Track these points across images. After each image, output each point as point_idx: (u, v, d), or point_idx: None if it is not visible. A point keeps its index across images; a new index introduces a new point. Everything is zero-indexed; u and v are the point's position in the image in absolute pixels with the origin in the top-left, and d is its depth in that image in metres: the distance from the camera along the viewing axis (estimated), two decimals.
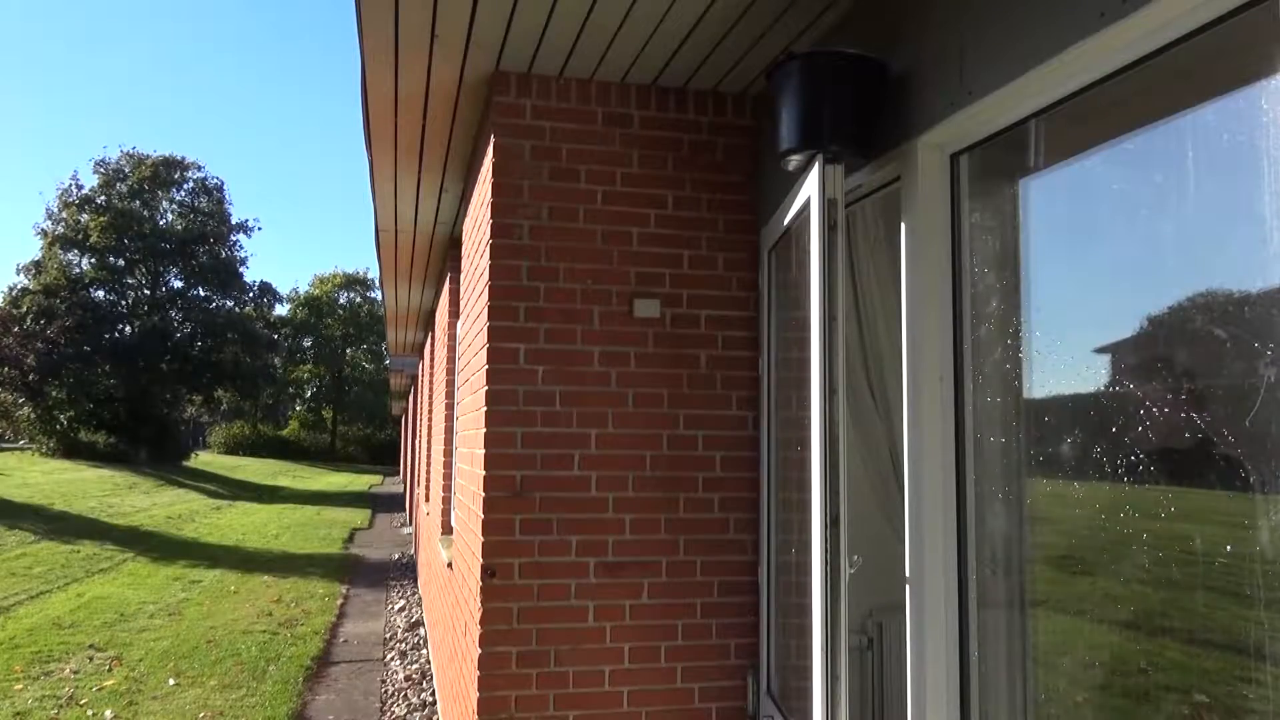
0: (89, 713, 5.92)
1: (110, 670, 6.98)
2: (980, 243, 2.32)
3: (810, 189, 2.49)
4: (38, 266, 35.08)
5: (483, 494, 3.09)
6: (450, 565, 4.70)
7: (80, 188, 36.53)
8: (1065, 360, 2.15)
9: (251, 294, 42.03)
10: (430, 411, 8.65)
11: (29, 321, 30.73)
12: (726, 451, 3.27)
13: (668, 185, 3.30)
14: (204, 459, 39.23)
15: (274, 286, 46.88)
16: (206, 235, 38.75)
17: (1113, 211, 2.05)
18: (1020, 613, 2.31)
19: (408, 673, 6.89)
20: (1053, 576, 2.32)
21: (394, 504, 24.47)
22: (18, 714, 5.88)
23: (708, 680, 3.19)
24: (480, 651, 3.02)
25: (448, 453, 6.06)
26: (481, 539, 3.10)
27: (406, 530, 17.45)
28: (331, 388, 54.93)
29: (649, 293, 3.25)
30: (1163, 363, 1.86)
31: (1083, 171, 2.11)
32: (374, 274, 55.95)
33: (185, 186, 39.61)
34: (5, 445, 39.05)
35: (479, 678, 3.02)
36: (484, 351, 3.18)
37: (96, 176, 37.11)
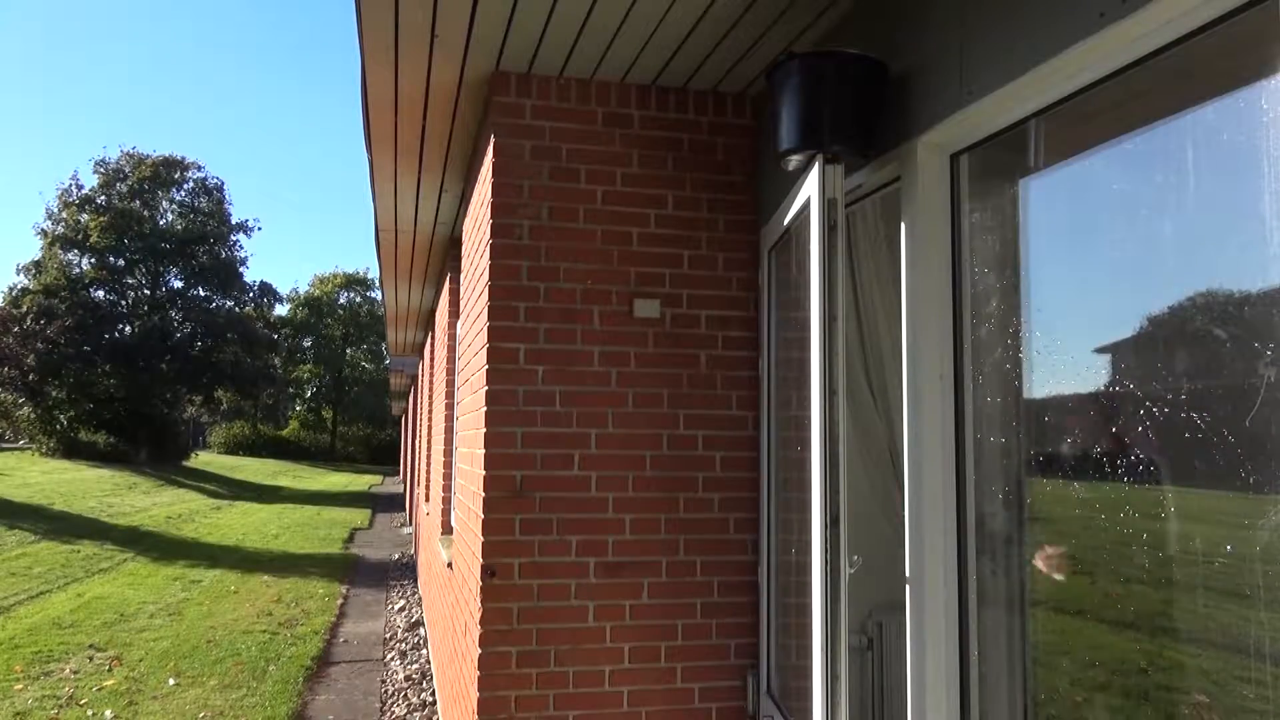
0: (89, 713, 5.92)
1: (110, 670, 6.98)
2: (980, 243, 2.32)
3: (810, 189, 2.49)
4: (38, 266, 35.09)
5: (483, 494, 3.09)
6: (450, 565, 4.70)
7: (80, 188, 36.56)
8: (1065, 360, 2.15)
9: (251, 294, 42.05)
10: (430, 411, 8.65)
11: (29, 321, 30.71)
12: (726, 451, 3.27)
13: (668, 185, 3.30)
14: (204, 459, 39.23)
15: (274, 286, 46.89)
16: (206, 235, 38.76)
17: (1113, 211, 2.05)
18: (1020, 613, 2.31)
19: (408, 673, 6.89)
20: (1052, 576, 2.32)
21: (394, 504, 24.47)
22: (18, 714, 5.88)
23: (708, 680, 3.19)
24: (480, 651, 3.02)
25: (448, 453, 6.06)
26: (481, 539, 3.10)
27: (406, 530, 17.45)
28: (331, 388, 54.93)
29: (649, 293, 3.25)
30: (1163, 363, 1.86)
31: (1083, 171, 2.11)
32: (374, 274, 55.97)
33: (185, 186, 39.64)
34: (5, 445, 39.04)
35: (479, 678, 3.02)
36: (484, 351, 3.18)
37: (96, 176, 37.14)
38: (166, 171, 38.34)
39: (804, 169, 2.54)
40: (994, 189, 2.33)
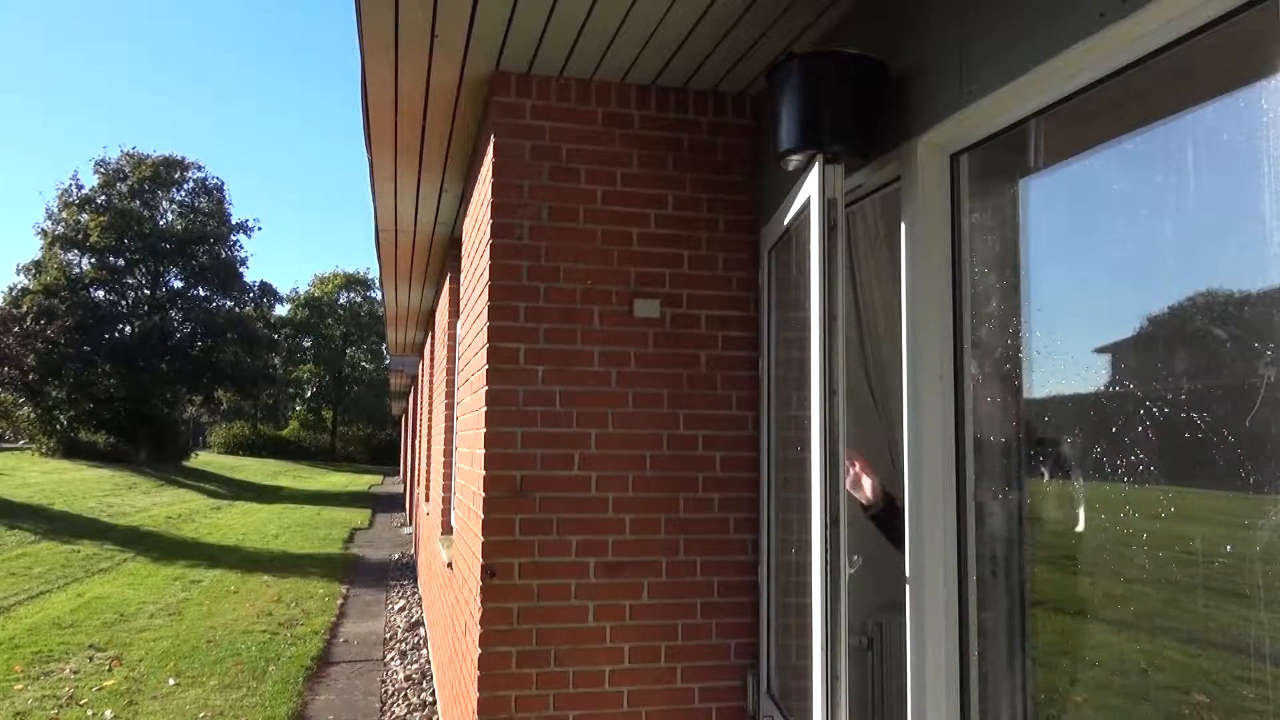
0: (89, 713, 5.92)
1: (110, 670, 6.98)
2: (980, 243, 2.32)
3: (810, 189, 2.49)
4: (38, 266, 35.09)
5: (483, 494, 3.09)
6: (450, 565, 4.70)
7: (80, 188, 36.56)
8: (1065, 360, 2.15)
9: (251, 294, 42.05)
10: (430, 411, 8.65)
11: (29, 321, 30.70)
12: (726, 451, 3.27)
13: (668, 185, 3.30)
14: (204, 459, 39.23)
15: (274, 287, 46.84)
16: (206, 235, 38.76)
17: (1113, 211, 2.05)
18: (1020, 613, 2.31)
19: (408, 673, 6.89)
20: (1052, 576, 2.32)
21: (394, 504, 24.46)
22: (18, 714, 5.88)
23: (708, 680, 3.19)
24: (480, 651, 3.02)
25: (448, 453, 6.06)
26: (481, 539, 3.10)
27: (406, 530, 17.45)
28: (331, 388, 54.91)
29: (649, 293, 3.25)
30: (1163, 363, 1.86)
31: (1083, 171, 2.11)
32: (374, 274, 55.95)
33: (185, 186, 39.65)
34: (5, 445, 39.05)
35: (479, 678, 3.02)
36: (484, 351, 3.18)
37: (96, 176, 37.14)
38: (166, 171, 38.34)
39: (804, 169, 2.54)
40: (994, 189, 2.33)
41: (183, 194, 39.60)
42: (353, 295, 56.25)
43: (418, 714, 5.92)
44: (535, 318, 3.15)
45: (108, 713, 5.89)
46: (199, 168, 39.92)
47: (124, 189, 37.36)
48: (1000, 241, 2.33)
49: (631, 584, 3.15)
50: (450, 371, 6.09)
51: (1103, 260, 2.09)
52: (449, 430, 6.09)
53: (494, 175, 3.16)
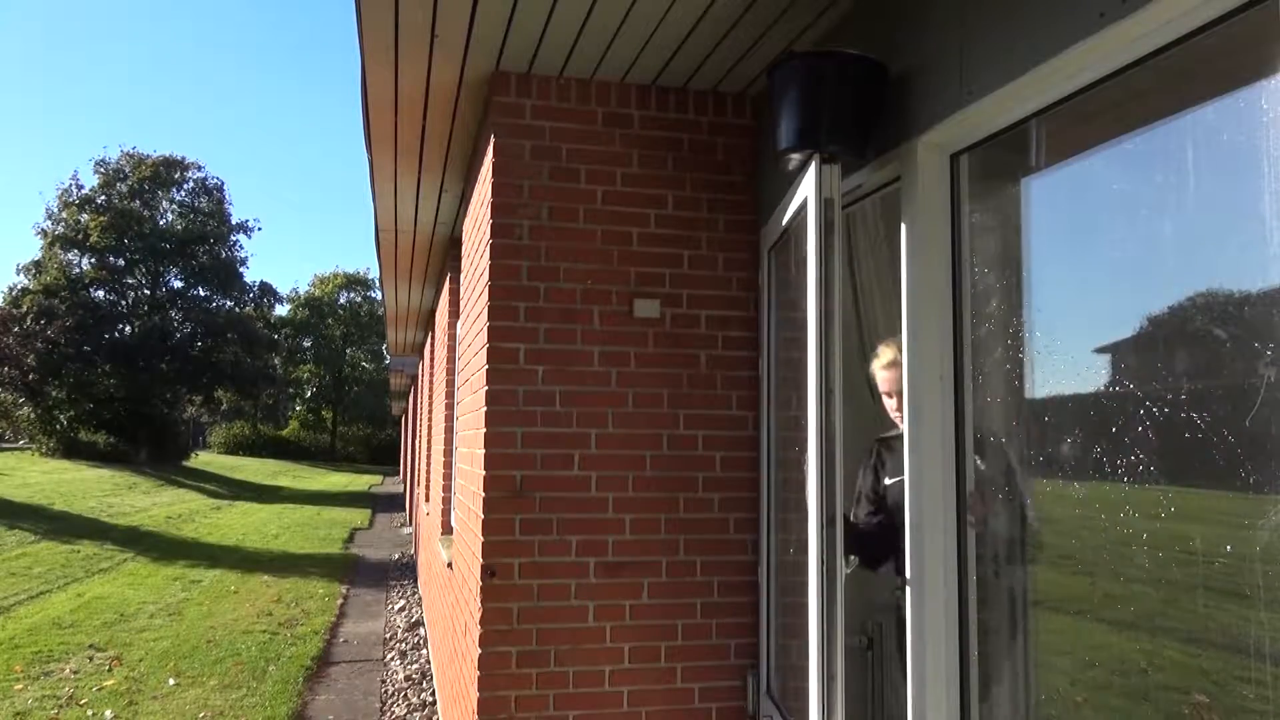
0: (89, 713, 5.92)
1: (110, 670, 6.98)
2: (980, 243, 2.32)
3: (807, 189, 2.49)
4: (38, 266, 35.08)
5: (483, 494, 3.09)
6: (450, 565, 4.70)
7: (80, 188, 36.54)
8: (1065, 360, 2.15)
9: (251, 294, 42.03)
10: (430, 411, 8.65)
11: (29, 321, 30.68)
12: (726, 451, 3.27)
13: (668, 185, 3.30)
14: (204, 459, 39.23)
15: (274, 287, 46.79)
16: (206, 235, 38.75)
17: (1113, 211, 2.05)
18: (1020, 612, 2.31)
19: (408, 673, 6.89)
20: (1052, 576, 2.32)
21: (394, 504, 24.46)
22: (18, 714, 5.88)
23: (708, 680, 3.19)
24: (480, 651, 3.02)
25: (448, 453, 6.06)
26: (481, 539, 3.10)
27: (406, 530, 17.45)
28: (331, 388, 54.90)
29: (649, 293, 3.25)
30: (1163, 363, 1.86)
31: (1083, 171, 2.11)
32: (374, 274, 55.93)
33: (185, 186, 39.62)
34: (5, 445, 39.05)
35: (479, 678, 3.02)
36: (484, 351, 3.18)
37: (96, 176, 37.13)
38: (166, 171, 38.33)
39: (801, 169, 2.54)
40: (994, 189, 2.33)
41: (183, 194, 39.61)
42: (353, 295, 56.25)
43: (418, 714, 5.92)
44: (535, 318, 3.15)
45: (108, 713, 5.89)
46: (199, 168, 39.94)
47: (124, 189, 37.35)
48: (1000, 241, 2.33)
49: (631, 584, 3.15)
50: (450, 371, 6.09)
51: (1103, 260, 2.09)
52: (449, 430, 6.09)
53: (494, 175, 3.16)
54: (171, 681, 6.65)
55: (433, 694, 6.18)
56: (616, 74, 3.22)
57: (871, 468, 2.90)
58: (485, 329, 3.16)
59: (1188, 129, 1.77)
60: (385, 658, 7.51)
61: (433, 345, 8.42)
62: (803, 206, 2.58)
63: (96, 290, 36.51)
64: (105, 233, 35.36)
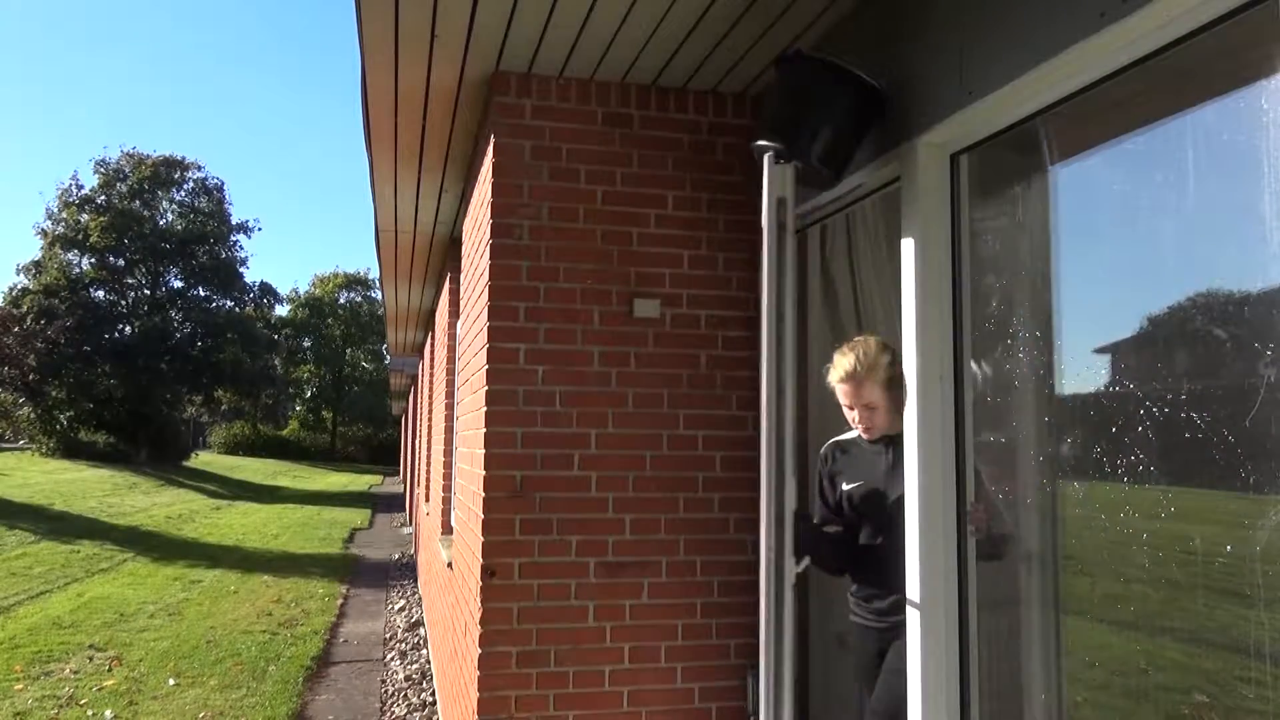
0: (89, 713, 5.92)
1: (110, 670, 6.97)
2: (980, 242, 2.32)
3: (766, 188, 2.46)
4: (38, 266, 35.05)
5: (483, 494, 3.09)
6: (450, 565, 4.70)
7: (80, 188, 36.50)
8: (1065, 360, 2.15)
9: (251, 294, 42.00)
10: (430, 411, 8.65)
11: (29, 321, 30.66)
12: (726, 451, 3.27)
13: (668, 185, 3.30)
14: (204, 459, 39.22)
15: (274, 287, 46.75)
16: (206, 235, 38.72)
17: (1113, 211, 2.05)
18: (1020, 612, 2.30)
19: (408, 673, 6.89)
20: (1052, 576, 2.32)
21: (394, 504, 24.46)
22: (18, 714, 5.88)
23: (708, 680, 3.19)
24: (480, 651, 3.02)
25: (448, 453, 6.06)
26: (481, 539, 3.10)
27: (406, 530, 17.45)
28: (331, 388, 54.89)
29: (649, 293, 3.25)
30: (1162, 363, 1.86)
31: (1083, 171, 2.11)
32: (374, 274, 55.92)
33: (185, 187, 39.58)
34: (5, 445, 39.04)
35: (479, 678, 3.02)
36: (484, 351, 3.18)
37: (96, 176, 37.09)
38: (166, 171, 38.29)
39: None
40: (994, 189, 2.33)
41: (183, 194, 39.56)
42: (353, 295, 56.23)
43: (418, 714, 5.92)
44: (535, 318, 3.15)
45: (108, 713, 5.89)
46: (199, 168, 39.88)
47: (124, 189, 37.31)
48: (1000, 241, 2.33)
49: (631, 584, 3.15)
50: (450, 371, 6.09)
51: (1103, 260, 2.09)
52: (449, 430, 6.09)
53: (494, 175, 3.16)
54: (171, 681, 6.64)
55: (433, 694, 6.18)
56: (616, 74, 3.22)
57: (827, 474, 2.78)
58: (485, 329, 3.16)
59: (1188, 129, 1.78)
60: (385, 658, 7.50)
61: (433, 345, 8.42)
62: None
63: (96, 290, 36.49)
64: (105, 233, 35.33)
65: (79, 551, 13.39)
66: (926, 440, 2.29)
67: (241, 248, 43.63)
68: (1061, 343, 2.16)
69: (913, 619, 2.28)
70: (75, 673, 6.90)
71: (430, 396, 8.78)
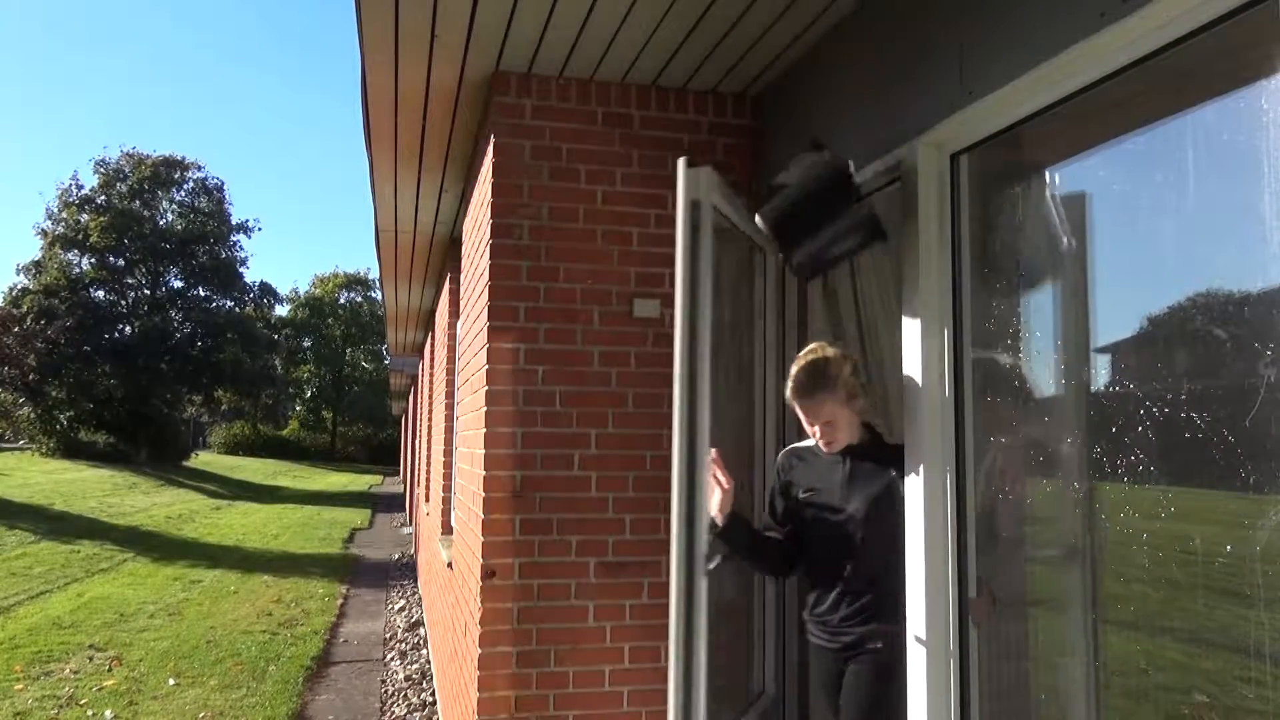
0: (89, 713, 5.92)
1: (110, 670, 6.97)
2: (979, 243, 2.32)
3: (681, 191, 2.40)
4: (38, 266, 35.05)
5: (483, 494, 3.09)
6: (450, 565, 4.70)
7: (80, 188, 36.49)
8: (1065, 360, 2.15)
9: (251, 294, 41.98)
10: (430, 411, 8.65)
11: (29, 321, 30.64)
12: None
13: (668, 185, 3.30)
14: (204, 459, 39.21)
15: (274, 287, 46.71)
16: (206, 235, 38.70)
17: (1113, 211, 2.05)
18: (1020, 613, 2.31)
19: (408, 673, 6.89)
20: (1052, 576, 2.32)
21: (394, 504, 24.46)
22: (18, 714, 5.88)
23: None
24: (480, 651, 3.02)
25: (448, 453, 6.06)
26: (481, 539, 3.10)
27: (406, 530, 17.45)
28: (331, 388, 54.87)
29: (649, 293, 3.24)
30: (1162, 363, 1.86)
31: (1083, 171, 2.11)
32: (374, 274, 55.91)
33: (185, 187, 39.56)
34: (5, 445, 39.05)
35: (479, 677, 3.02)
36: (484, 351, 3.18)
37: (96, 176, 37.07)
38: (166, 171, 38.28)
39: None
40: (994, 189, 2.33)
41: (183, 194, 39.54)
42: (353, 295, 56.21)
43: (418, 714, 5.92)
44: (535, 318, 3.15)
45: (108, 713, 5.89)
46: (199, 168, 39.85)
47: (124, 189, 37.30)
48: (1000, 241, 2.33)
49: (631, 584, 3.14)
50: (450, 371, 6.09)
51: (1103, 260, 2.09)
52: (449, 430, 6.09)
53: (494, 175, 3.16)
54: (171, 681, 6.64)
55: (433, 694, 6.18)
56: (616, 74, 3.22)
57: (780, 485, 2.64)
58: (485, 329, 3.16)
59: (1188, 129, 1.78)
60: (385, 658, 7.50)
61: (433, 345, 8.42)
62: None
63: (96, 290, 36.47)
64: (105, 233, 35.32)
65: (79, 551, 13.39)
66: (926, 440, 2.29)
67: (241, 248, 43.58)
68: (1061, 342, 2.16)
69: (912, 621, 2.28)
70: (75, 673, 6.90)
71: (430, 397, 8.77)
